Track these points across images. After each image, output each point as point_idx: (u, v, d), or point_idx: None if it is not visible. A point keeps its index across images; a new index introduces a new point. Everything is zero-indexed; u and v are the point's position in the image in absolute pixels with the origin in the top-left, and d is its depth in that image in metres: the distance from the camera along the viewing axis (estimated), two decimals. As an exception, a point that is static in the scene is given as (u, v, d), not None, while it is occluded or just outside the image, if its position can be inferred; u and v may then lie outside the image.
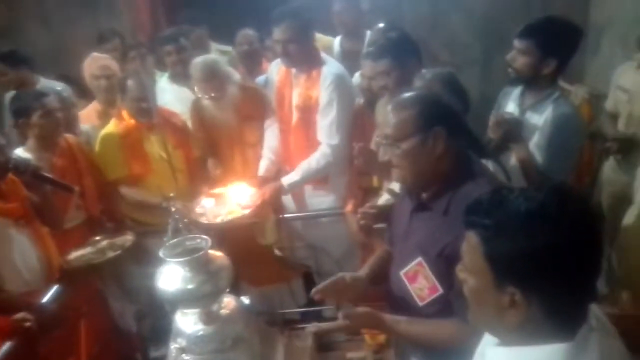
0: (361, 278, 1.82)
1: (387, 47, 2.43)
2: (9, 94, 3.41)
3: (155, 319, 3.33)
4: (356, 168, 2.71)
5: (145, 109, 2.86)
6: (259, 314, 2.56)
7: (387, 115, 1.57)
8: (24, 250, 2.35)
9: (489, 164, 1.86)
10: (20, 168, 2.29)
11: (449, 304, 1.52)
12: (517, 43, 2.29)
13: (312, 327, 1.77)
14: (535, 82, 2.32)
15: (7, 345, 1.97)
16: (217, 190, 2.90)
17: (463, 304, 1.44)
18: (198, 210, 2.78)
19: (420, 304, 1.60)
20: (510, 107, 2.46)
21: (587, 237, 0.91)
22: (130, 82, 2.93)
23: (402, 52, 2.41)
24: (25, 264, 2.34)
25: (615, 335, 1.01)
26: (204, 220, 2.70)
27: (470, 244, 0.98)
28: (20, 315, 2.14)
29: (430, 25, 4.56)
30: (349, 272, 2.89)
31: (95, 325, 2.76)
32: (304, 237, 3.09)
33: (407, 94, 1.59)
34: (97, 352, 2.74)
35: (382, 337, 2.17)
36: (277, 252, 3.02)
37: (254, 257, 3.12)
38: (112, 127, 2.99)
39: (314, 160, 2.83)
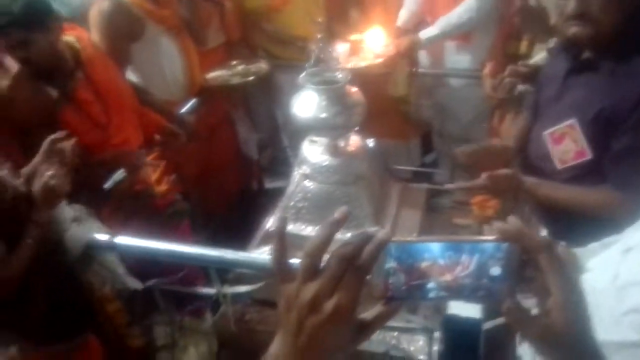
0: (510, 147, 1.74)
1: None
2: None
3: (275, 150, 3.49)
4: (505, 29, 2.50)
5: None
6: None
7: None
8: (172, 61, 2.47)
9: None
10: None
11: (591, 170, 1.44)
12: None
13: (451, 185, 1.76)
14: None
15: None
16: (353, 37, 2.82)
17: (621, 172, 1.37)
18: (332, 53, 2.71)
19: (560, 167, 1.51)
20: None
21: None
22: None
23: None
24: (172, 73, 2.47)
25: None
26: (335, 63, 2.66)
27: None
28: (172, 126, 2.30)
29: None
30: (472, 137, 2.87)
31: (222, 144, 2.94)
32: (434, 95, 2.99)
33: None
34: (222, 170, 2.94)
35: (490, 211, 2.14)
36: (403, 106, 2.96)
37: (379, 109, 3.06)
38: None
39: (456, 14, 2.60)
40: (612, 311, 0.89)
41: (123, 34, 2.27)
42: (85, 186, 1.82)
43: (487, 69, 2.52)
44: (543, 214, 1.66)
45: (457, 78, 2.85)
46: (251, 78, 2.65)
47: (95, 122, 1.95)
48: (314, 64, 1.80)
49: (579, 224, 1.32)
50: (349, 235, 1.62)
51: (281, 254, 0.64)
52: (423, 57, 2.96)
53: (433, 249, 0.60)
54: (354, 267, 0.59)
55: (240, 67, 2.72)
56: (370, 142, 2.06)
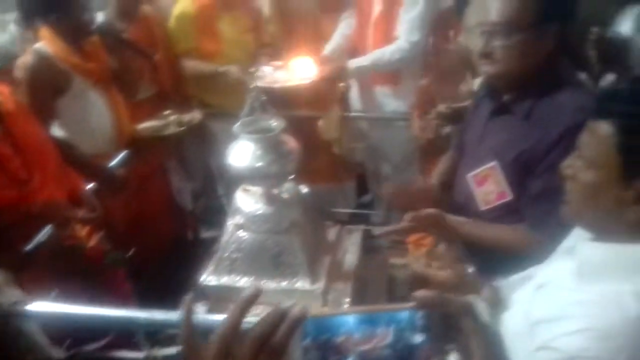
0: (434, 185, 1.79)
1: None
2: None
3: (210, 200, 3.44)
4: (433, 71, 2.60)
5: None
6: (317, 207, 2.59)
7: (497, 1, 1.43)
8: (100, 114, 2.42)
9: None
10: (104, 29, 2.31)
11: (513, 210, 1.50)
12: None
13: (377, 230, 1.79)
14: None
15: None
16: (279, 63, 2.85)
17: (537, 212, 1.43)
18: (257, 74, 2.64)
19: (483, 208, 1.57)
20: (626, 26, 2.26)
21: None
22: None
23: None
24: (100, 127, 2.42)
25: None
26: (260, 83, 2.63)
27: (599, 135, 0.92)
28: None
29: None
30: (404, 178, 2.94)
31: (155, 195, 2.88)
32: (365, 138, 3.05)
33: None
34: (155, 222, 2.87)
35: (424, 250, 2.18)
36: (336, 149, 3.00)
37: (312, 153, 3.10)
38: (187, 2, 2.94)
39: (389, 51, 2.69)
40: (526, 349, 0.92)
41: (48, 88, 2.22)
42: (5, 247, 1.73)
43: (416, 110, 2.61)
44: (471, 250, 1.71)
45: (388, 120, 2.92)
46: (183, 128, 2.63)
47: (14, 177, 1.87)
48: (248, 113, 1.80)
49: (504, 261, 1.36)
50: (284, 284, 1.60)
51: (189, 339, 0.60)
52: (355, 100, 3.04)
53: (349, 323, 0.60)
54: (269, 348, 0.56)
55: (172, 117, 2.69)
56: (304, 189, 2.06)
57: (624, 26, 2.29)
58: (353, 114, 2.97)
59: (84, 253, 2.05)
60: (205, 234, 3.37)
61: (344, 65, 2.76)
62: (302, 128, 2.94)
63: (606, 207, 0.93)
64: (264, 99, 1.76)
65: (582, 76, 1.74)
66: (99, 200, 2.26)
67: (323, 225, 2.16)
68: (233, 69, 2.77)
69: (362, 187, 3.46)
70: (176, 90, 3.00)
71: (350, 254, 2.08)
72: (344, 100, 2.93)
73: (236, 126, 1.71)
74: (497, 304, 1.11)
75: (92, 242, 2.13)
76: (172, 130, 2.61)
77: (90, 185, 2.24)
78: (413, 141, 2.68)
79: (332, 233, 2.14)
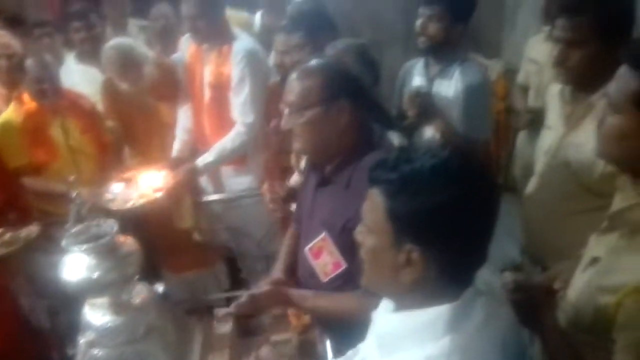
0: (278, 279, 1.78)
1: (301, 19, 2.41)
2: None
3: (70, 313, 3.18)
4: (274, 146, 2.67)
5: (46, 90, 2.69)
6: (179, 302, 2.49)
7: (291, 83, 1.52)
8: None
9: (395, 138, 1.86)
10: None
11: (352, 278, 1.51)
12: (426, 10, 2.31)
13: (221, 311, 1.75)
14: (443, 49, 2.35)
15: None
16: (128, 175, 2.77)
17: None
18: (108, 196, 2.62)
19: (324, 279, 1.60)
20: (417, 80, 2.47)
21: (486, 197, 0.93)
22: (29, 62, 2.74)
23: (316, 25, 2.38)
24: None
25: (504, 301, 1.03)
26: (113, 206, 2.55)
27: (373, 202, 0.96)
28: None
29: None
30: (270, 252, 2.93)
31: (2, 321, 2.60)
32: (223, 219, 3.03)
33: (314, 62, 1.56)
34: (8, 351, 2.59)
35: (307, 318, 2.16)
36: (196, 236, 2.94)
37: (174, 243, 3.02)
38: (11, 112, 2.79)
39: (229, 140, 2.75)
40: None
41: None
42: None
43: (265, 186, 2.63)
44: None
45: (239, 199, 2.93)
46: (20, 245, 2.43)
47: None
48: (74, 223, 1.70)
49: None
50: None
51: None
52: (206, 184, 3.02)
53: None
54: None
55: (7, 236, 2.48)
56: (159, 287, 1.97)
57: (417, 80, 2.50)
58: (205, 198, 2.96)
59: None
60: (73, 350, 3.09)
61: (193, 167, 2.77)
62: (157, 221, 2.87)
63: (386, 272, 0.97)
64: (90, 205, 1.67)
65: (395, 136, 1.85)
66: None
67: (188, 321, 2.06)
68: (83, 191, 2.64)
69: (235, 268, 3.39)
70: (9, 205, 2.78)
71: (223, 343, 2.00)
72: (194, 187, 2.90)
73: (64, 240, 1.60)
74: None
75: None
76: (6, 250, 2.40)
77: None
78: (269, 215, 2.70)
79: (199, 326, 2.05)
